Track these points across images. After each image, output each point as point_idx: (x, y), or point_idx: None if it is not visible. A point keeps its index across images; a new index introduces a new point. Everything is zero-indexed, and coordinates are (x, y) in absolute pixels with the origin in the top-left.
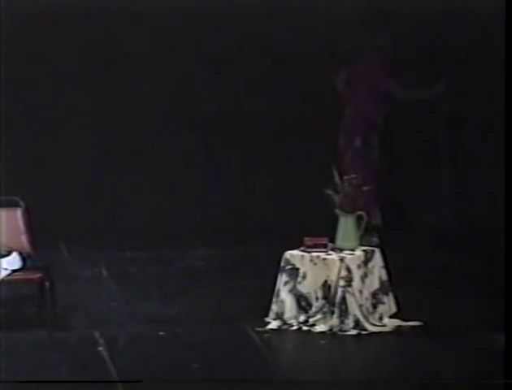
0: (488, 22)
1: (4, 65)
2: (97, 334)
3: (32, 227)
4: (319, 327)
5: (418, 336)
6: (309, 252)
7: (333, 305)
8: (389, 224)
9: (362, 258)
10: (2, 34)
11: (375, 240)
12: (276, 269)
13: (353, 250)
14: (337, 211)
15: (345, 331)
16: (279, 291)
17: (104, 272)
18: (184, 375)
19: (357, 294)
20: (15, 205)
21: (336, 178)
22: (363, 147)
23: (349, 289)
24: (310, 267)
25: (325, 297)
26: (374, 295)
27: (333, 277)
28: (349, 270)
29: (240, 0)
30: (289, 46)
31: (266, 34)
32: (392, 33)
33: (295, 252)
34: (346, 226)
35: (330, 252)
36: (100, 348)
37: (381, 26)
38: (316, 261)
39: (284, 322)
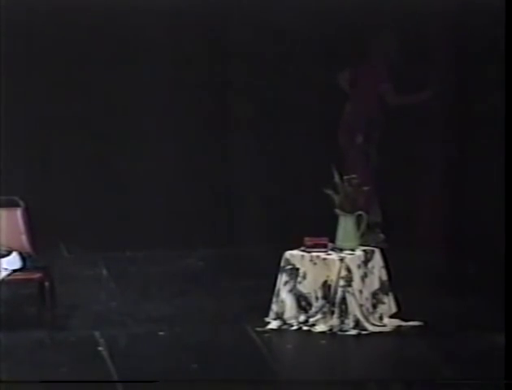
0: (488, 22)
1: (4, 65)
2: (97, 334)
3: (32, 227)
4: (319, 327)
5: (418, 336)
6: (309, 252)
7: (333, 305)
8: (389, 224)
9: (362, 258)
10: (2, 34)
11: (382, 236)
12: (276, 269)
13: (353, 250)
14: (337, 211)
15: (345, 331)
16: (279, 291)
17: (104, 272)
18: (184, 375)
19: (357, 294)
20: (15, 205)
21: (336, 178)
22: (363, 145)
23: (349, 289)
24: (310, 267)
25: (325, 297)
26: (374, 295)
27: (333, 277)
28: (349, 270)
29: None
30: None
31: (272, 30)
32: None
33: (295, 252)
34: (346, 226)
35: (330, 252)
36: (100, 348)
37: (385, 27)
38: (316, 261)
39: (284, 322)
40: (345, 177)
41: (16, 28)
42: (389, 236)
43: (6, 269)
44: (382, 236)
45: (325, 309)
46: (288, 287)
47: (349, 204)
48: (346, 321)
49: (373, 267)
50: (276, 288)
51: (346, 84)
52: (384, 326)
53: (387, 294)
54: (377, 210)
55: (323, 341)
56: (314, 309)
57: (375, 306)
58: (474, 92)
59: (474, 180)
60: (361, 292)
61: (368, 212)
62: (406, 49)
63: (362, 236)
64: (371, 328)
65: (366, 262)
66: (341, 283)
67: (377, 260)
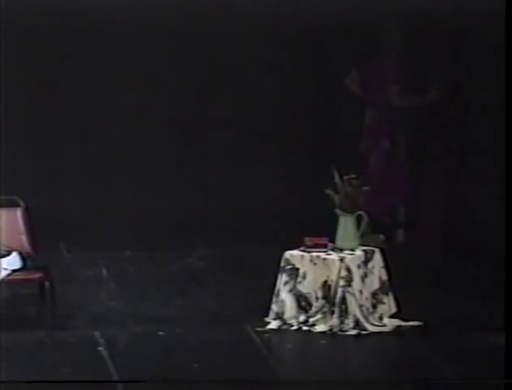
0: (488, 22)
1: (4, 65)
2: (97, 334)
3: (32, 227)
4: (319, 327)
5: (418, 336)
6: (309, 252)
7: (333, 305)
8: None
9: (362, 258)
10: (2, 34)
11: (381, 237)
12: (276, 269)
13: (353, 250)
14: (337, 211)
15: (345, 331)
16: (279, 291)
17: (104, 272)
18: (184, 375)
19: (358, 294)
20: (15, 205)
21: (336, 178)
22: (391, 147)
23: (349, 289)
24: (310, 267)
25: (325, 297)
26: (374, 295)
27: (333, 277)
28: (349, 270)
29: None
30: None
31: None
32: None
33: (295, 252)
34: (346, 226)
35: (330, 252)
36: (100, 348)
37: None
38: (316, 261)
39: (284, 322)
40: (345, 177)
41: (16, 27)
42: (389, 236)
43: (6, 269)
44: (382, 236)
45: (325, 309)
46: (288, 287)
47: (349, 204)
48: (346, 321)
49: (373, 267)
50: (276, 288)
51: (356, 86)
52: (383, 326)
53: (387, 294)
54: (401, 210)
55: (323, 341)
56: (314, 309)
57: (375, 306)
58: (474, 92)
59: (474, 180)
60: (361, 292)
61: (391, 213)
62: (409, 50)
63: (362, 236)
64: (371, 328)
65: (366, 262)
66: (341, 283)
67: (377, 260)
